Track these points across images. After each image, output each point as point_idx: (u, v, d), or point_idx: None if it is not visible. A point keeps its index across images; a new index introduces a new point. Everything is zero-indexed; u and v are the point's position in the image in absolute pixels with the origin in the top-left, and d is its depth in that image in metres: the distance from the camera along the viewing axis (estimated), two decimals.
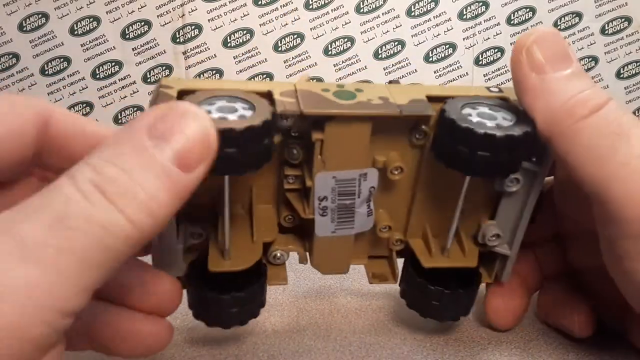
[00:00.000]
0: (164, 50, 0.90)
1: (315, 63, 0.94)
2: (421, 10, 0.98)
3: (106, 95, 0.89)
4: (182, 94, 0.24)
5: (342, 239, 0.29)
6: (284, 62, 0.95)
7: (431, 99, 0.26)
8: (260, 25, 0.93)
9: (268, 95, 0.25)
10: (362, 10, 0.94)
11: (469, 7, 1.00)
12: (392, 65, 0.99)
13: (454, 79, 1.04)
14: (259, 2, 0.93)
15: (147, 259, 0.28)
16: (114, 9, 0.88)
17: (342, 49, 0.94)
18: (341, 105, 0.25)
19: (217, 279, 0.27)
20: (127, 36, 0.89)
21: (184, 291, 0.29)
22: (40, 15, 0.87)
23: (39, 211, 0.17)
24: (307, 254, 0.31)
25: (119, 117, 0.87)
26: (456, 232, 0.29)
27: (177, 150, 0.18)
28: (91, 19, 0.88)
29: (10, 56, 0.88)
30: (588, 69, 1.03)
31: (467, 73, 1.04)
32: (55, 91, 0.88)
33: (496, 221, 0.29)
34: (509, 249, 0.30)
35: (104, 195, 0.17)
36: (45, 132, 0.23)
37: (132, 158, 0.18)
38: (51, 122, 0.23)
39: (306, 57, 0.95)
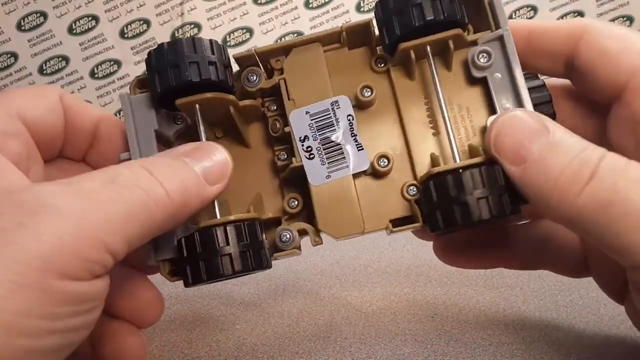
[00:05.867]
0: None
1: None
2: None
3: (105, 94, 0.89)
4: None
5: (343, 187, 0.28)
6: None
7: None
8: (259, 24, 0.93)
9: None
10: (362, 9, 0.94)
11: None
12: None
13: None
14: (259, 1, 0.93)
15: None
16: (113, 8, 0.88)
17: None
18: (288, 41, 0.29)
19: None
20: (126, 35, 0.89)
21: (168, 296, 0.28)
22: (38, 14, 0.87)
23: (95, 175, 0.21)
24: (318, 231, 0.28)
25: (117, 115, 0.87)
26: (469, 146, 0.27)
27: (205, 167, 0.24)
28: (90, 18, 0.88)
29: (9, 55, 0.88)
30: None
31: None
32: None
33: (499, 113, 0.27)
34: None
35: (150, 173, 0.22)
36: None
37: (173, 160, 0.24)
38: (63, 99, 0.28)
39: None
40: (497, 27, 0.27)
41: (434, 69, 0.27)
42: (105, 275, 0.21)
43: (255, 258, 0.26)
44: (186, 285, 0.26)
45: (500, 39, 0.27)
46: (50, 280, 0.18)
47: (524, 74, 0.27)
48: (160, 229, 0.22)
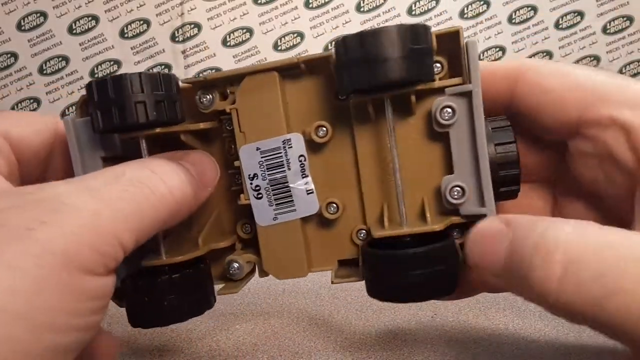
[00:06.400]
0: (163, 49, 0.90)
1: None
2: (422, 9, 0.98)
3: None
4: None
5: (289, 230, 0.27)
6: None
7: None
8: (259, 24, 0.93)
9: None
10: (362, 9, 0.94)
11: (470, 6, 0.99)
12: None
13: None
14: (259, 1, 0.93)
15: None
16: (113, 8, 0.88)
17: None
18: (243, 68, 0.27)
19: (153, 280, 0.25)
20: (126, 35, 0.89)
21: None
22: (38, 14, 0.87)
23: (98, 174, 0.22)
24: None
25: None
26: (421, 204, 0.26)
27: (197, 170, 0.25)
28: (90, 18, 0.88)
29: (9, 55, 0.88)
30: None
31: None
32: (54, 90, 0.88)
33: (455, 174, 0.25)
34: (482, 205, 0.24)
35: (152, 171, 0.23)
36: (58, 136, 0.28)
37: (171, 160, 0.24)
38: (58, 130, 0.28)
39: None
40: (469, 79, 0.24)
41: (390, 126, 0.24)
42: (115, 271, 0.21)
43: (201, 304, 0.26)
44: (131, 324, 0.26)
45: (469, 95, 0.24)
46: (73, 275, 0.18)
47: (498, 119, 0.25)
48: (163, 225, 0.23)
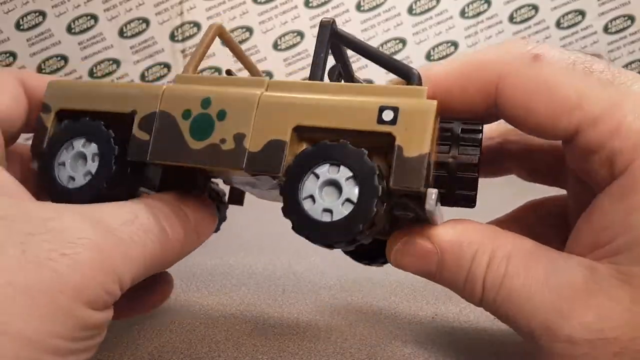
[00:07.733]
0: (162, 49, 0.90)
1: None
2: (422, 8, 0.98)
3: None
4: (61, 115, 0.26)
5: None
6: (284, 60, 0.94)
7: (301, 129, 0.22)
8: (259, 23, 0.93)
9: (129, 121, 0.24)
10: (362, 8, 0.94)
11: (470, 5, 0.99)
12: None
13: None
14: (258, 0, 0.93)
15: None
16: (112, 7, 0.88)
17: None
18: (184, 152, 0.23)
19: None
20: (125, 34, 0.89)
21: None
22: (37, 14, 0.87)
23: (116, 212, 0.23)
24: None
25: None
26: None
27: (197, 219, 0.26)
28: (88, 17, 0.88)
29: (7, 55, 0.88)
30: None
31: None
32: None
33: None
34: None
35: (161, 220, 0.24)
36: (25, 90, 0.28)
37: (177, 209, 0.25)
38: (24, 82, 0.28)
39: (306, 55, 0.95)
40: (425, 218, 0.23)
41: None
42: (111, 307, 0.22)
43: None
44: None
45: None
46: (79, 307, 0.20)
47: (470, 122, 0.24)
48: (155, 271, 0.24)
